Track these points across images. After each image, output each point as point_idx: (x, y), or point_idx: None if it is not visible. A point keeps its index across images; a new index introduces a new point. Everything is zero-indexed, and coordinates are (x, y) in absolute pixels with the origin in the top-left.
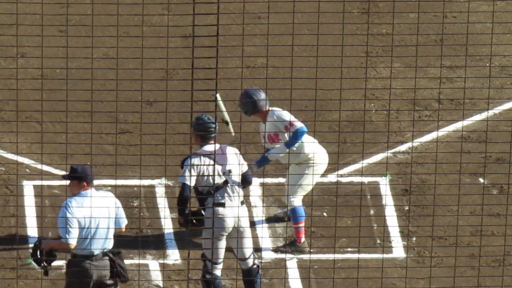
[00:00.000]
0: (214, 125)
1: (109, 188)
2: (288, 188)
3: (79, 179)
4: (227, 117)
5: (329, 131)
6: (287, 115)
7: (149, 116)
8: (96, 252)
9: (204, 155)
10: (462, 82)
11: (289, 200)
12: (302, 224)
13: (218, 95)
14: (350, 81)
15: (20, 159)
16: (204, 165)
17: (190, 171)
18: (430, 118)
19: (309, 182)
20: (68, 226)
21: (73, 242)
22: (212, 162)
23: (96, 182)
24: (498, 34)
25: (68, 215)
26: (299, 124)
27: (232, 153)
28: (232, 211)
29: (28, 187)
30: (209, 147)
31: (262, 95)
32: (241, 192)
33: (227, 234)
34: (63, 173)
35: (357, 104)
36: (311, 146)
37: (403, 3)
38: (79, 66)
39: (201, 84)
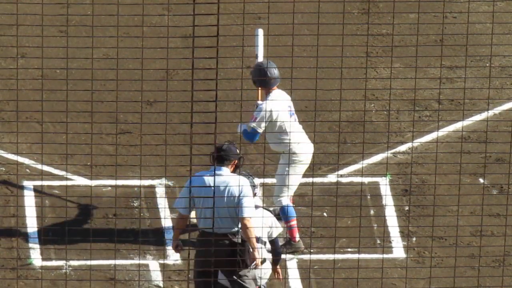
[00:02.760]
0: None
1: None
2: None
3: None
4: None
5: (329, 131)
6: (262, 108)
7: (149, 117)
8: (214, 230)
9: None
10: (462, 83)
11: (276, 200)
12: (294, 222)
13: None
14: (350, 81)
15: (21, 159)
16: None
17: None
18: (430, 118)
19: (293, 181)
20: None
21: (182, 211)
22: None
23: (96, 182)
24: (498, 35)
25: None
26: (252, 124)
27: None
28: None
29: (28, 188)
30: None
31: (275, 73)
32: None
33: None
34: (63, 173)
35: (357, 105)
36: (298, 144)
37: (403, 4)
38: (79, 67)
39: (201, 84)
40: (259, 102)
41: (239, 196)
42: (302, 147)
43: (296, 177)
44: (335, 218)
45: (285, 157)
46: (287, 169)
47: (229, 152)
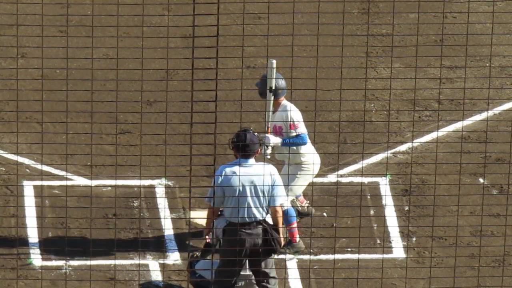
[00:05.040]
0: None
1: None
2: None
3: (236, 146)
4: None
5: (329, 131)
6: (294, 115)
7: (149, 117)
8: (248, 220)
9: None
10: (462, 83)
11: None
12: (295, 225)
13: (274, 62)
14: (350, 81)
15: (20, 159)
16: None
17: None
18: (430, 118)
19: (298, 184)
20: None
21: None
22: None
23: (95, 182)
24: (498, 35)
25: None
26: (302, 130)
27: None
28: None
29: (28, 187)
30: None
31: (282, 84)
32: None
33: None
34: (63, 173)
35: (357, 105)
36: (308, 153)
37: (403, 3)
38: (79, 67)
39: (201, 84)
40: (288, 111)
41: (272, 185)
42: (314, 157)
43: (303, 179)
44: (335, 218)
45: (295, 161)
46: (299, 173)
47: (253, 146)
